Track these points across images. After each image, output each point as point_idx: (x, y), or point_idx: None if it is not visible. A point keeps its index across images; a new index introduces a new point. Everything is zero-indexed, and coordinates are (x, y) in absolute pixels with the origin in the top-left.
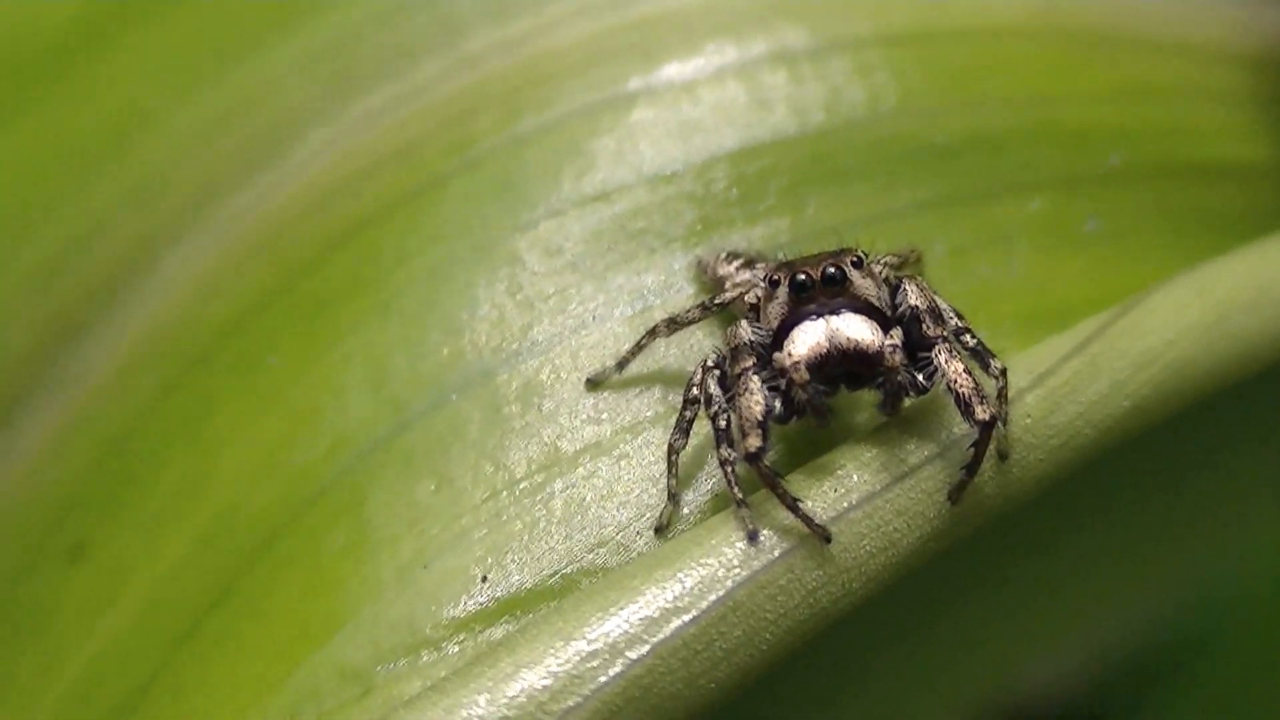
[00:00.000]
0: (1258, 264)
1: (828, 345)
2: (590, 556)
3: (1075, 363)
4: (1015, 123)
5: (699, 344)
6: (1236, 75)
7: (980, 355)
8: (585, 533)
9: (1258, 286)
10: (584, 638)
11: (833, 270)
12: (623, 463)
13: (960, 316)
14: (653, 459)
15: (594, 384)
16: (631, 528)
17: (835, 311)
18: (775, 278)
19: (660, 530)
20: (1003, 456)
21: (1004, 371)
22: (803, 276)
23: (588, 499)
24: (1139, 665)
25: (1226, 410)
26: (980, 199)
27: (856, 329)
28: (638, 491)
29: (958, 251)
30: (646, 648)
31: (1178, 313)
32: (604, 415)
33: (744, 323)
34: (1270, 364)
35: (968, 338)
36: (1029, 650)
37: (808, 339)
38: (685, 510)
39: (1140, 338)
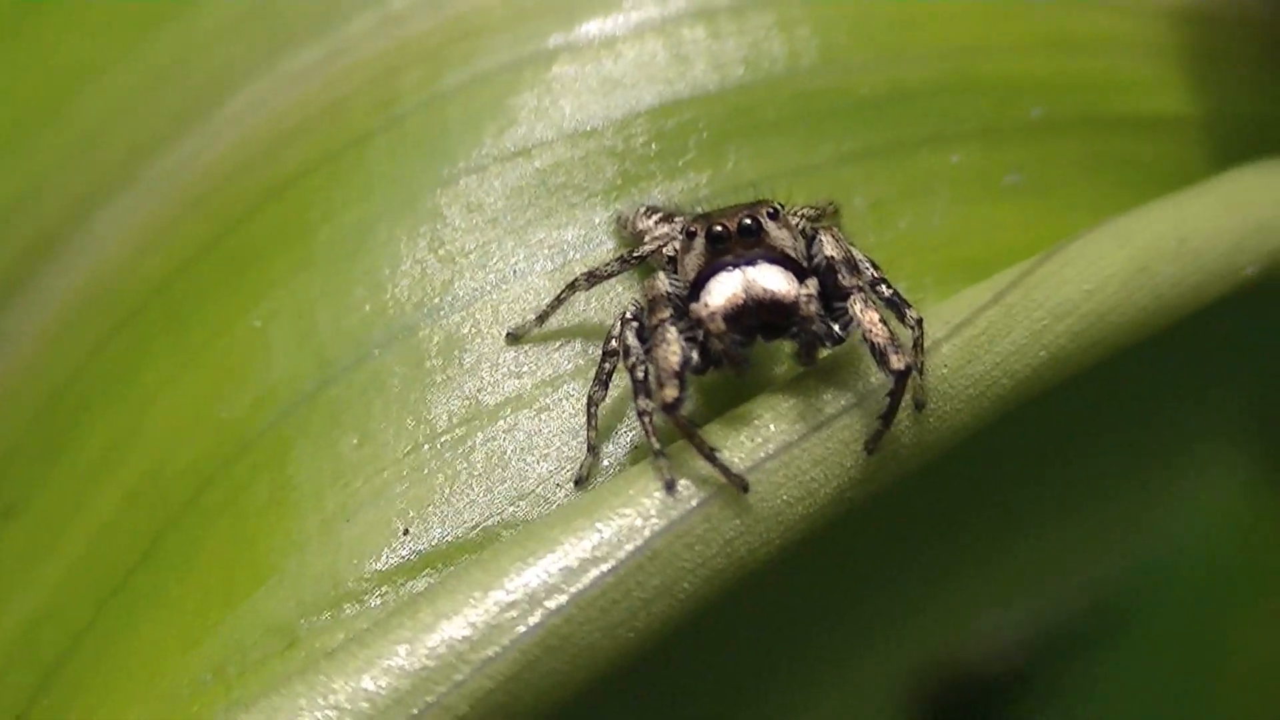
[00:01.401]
0: (1179, 214)
1: (744, 296)
2: (511, 509)
3: (992, 313)
4: (937, 76)
5: (619, 297)
6: (1161, 28)
7: (896, 305)
8: (506, 485)
9: (1178, 236)
10: (503, 588)
11: (749, 221)
12: (543, 415)
13: (876, 267)
14: (573, 411)
15: (514, 338)
16: (552, 480)
17: (751, 262)
18: (692, 229)
19: (580, 482)
20: (919, 406)
21: (920, 321)
22: (719, 228)
23: (508, 452)
24: (1074, 626)
25: (1154, 363)
26: (901, 152)
27: (772, 279)
28: (558, 444)
29: (878, 204)
30: (565, 597)
31: (1097, 262)
32: (524, 369)
33: (661, 274)
34: (1189, 314)
35: (883, 288)
36: (967, 612)
37: (724, 290)
38: (605, 462)
39: (1058, 287)
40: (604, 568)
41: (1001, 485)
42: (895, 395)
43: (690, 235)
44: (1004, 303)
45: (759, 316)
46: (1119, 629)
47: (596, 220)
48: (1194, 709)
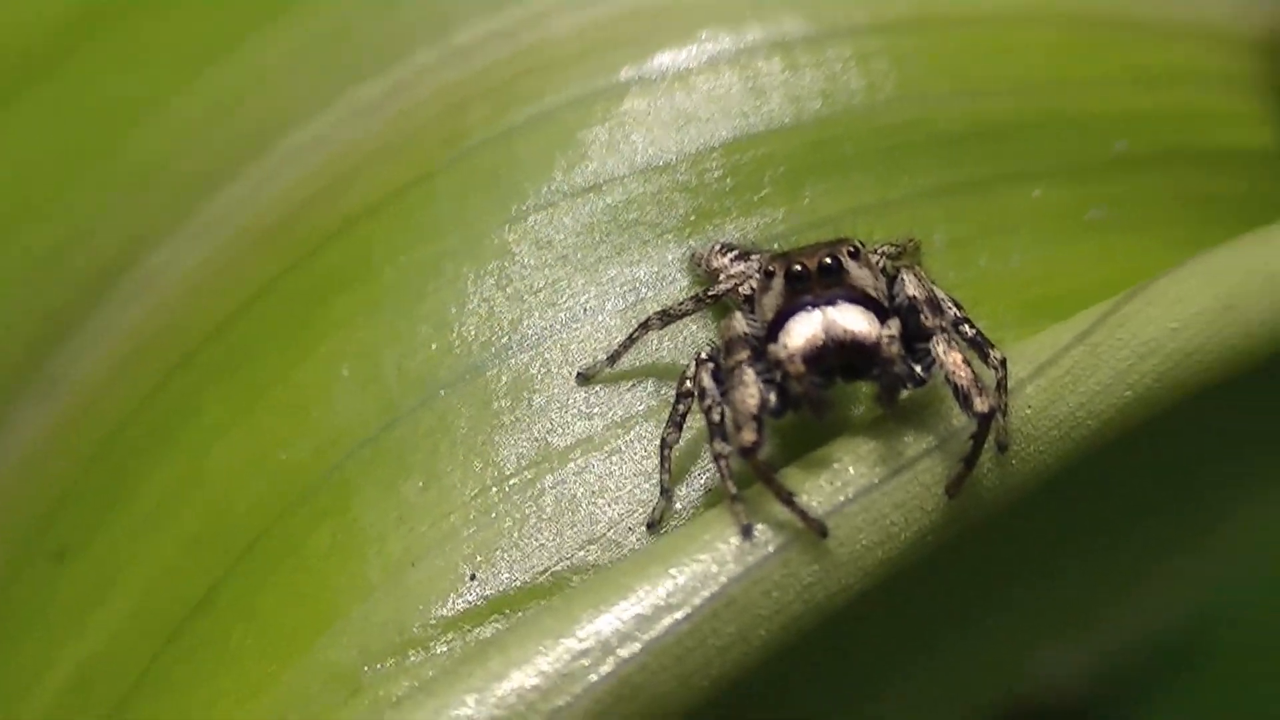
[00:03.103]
0: (1267, 249)
1: (824, 337)
2: (581, 553)
3: (1076, 352)
4: (1017, 110)
5: (692, 337)
6: (1244, 59)
7: (979, 346)
8: (576, 529)
9: (1266, 273)
10: (574, 635)
11: (829, 260)
12: (614, 458)
13: (959, 307)
14: (645, 454)
15: (585, 378)
16: (623, 524)
17: (831, 302)
18: (770, 268)
19: (653, 526)
20: (1002, 448)
21: (1004, 362)
22: (798, 267)
23: (579, 495)
24: (1135, 667)
25: (1237, 403)
26: (981, 188)
27: (853, 320)
28: (630, 487)
29: (958, 242)
30: (638, 645)
31: (1183, 300)
32: (595, 410)
33: (738, 314)
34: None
35: (966, 328)
36: (1038, 647)
37: (803, 330)
38: (678, 506)
39: (1144, 326)
40: (678, 615)
41: (1082, 523)
42: (979, 437)
43: (769, 274)
44: (1089, 342)
45: (839, 358)
46: (1180, 670)
47: (670, 258)
48: None
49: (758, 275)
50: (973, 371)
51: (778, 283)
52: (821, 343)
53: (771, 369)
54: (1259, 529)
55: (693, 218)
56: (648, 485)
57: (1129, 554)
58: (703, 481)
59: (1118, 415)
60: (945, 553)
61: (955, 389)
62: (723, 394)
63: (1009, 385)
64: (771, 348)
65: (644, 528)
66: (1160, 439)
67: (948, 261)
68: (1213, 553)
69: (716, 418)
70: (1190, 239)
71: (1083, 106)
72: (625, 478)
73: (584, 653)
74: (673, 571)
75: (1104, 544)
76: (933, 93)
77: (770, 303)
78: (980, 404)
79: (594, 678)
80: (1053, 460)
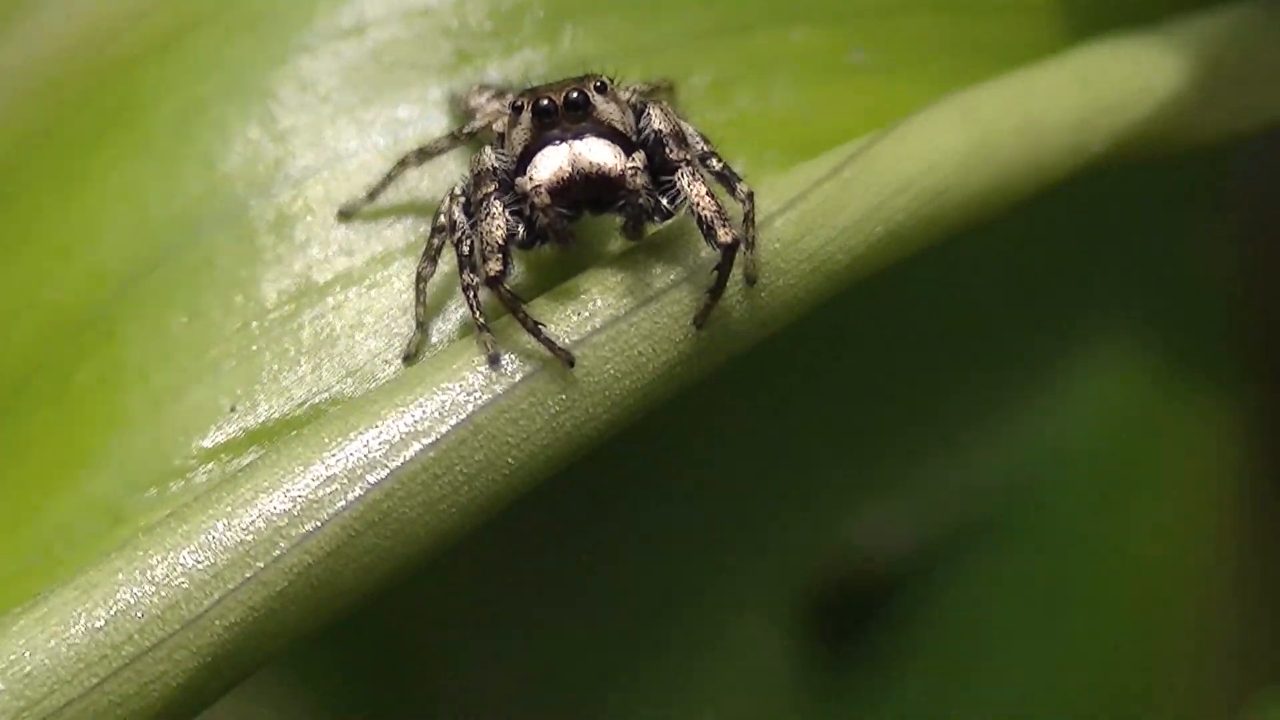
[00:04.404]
0: (1024, 90)
1: (569, 169)
2: (339, 386)
3: (827, 187)
4: None
5: (451, 174)
6: None
7: (726, 179)
8: (334, 362)
9: (1022, 113)
10: (322, 463)
11: (575, 95)
12: (373, 292)
13: (707, 141)
14: (403, 288)
15: (346, 215)
16: (380, 357)
17: (578, 136)
18: (518, 104)
19: (409, 358)
20: (750, 281)
21: (751, 195)
22: (545, 102)
23: (337, 329)
24: (960, 527)
25: (1028, 244)
26: (741, 30)
27: (598, 152)
28: (388, 321)
29: (719, 84)
30: (385, 472)
31: (937, 138)
32: (355, 246)
33: (488, 149)
34: (1034, 192)
35: (714, 162)
36: (849, 511)
37: (549, 163)
38: (435, 339)
39: (897, 163)
40: (425, 442)
41: (877, 369)
42: (723, 269)
43: (517, 110)
44: (840, 177)
45: (585, 190)
46: (1002, 529)
47: (431, 98)
48: (1078, 606)
49: (509, 112)
50: (717, 204)
51: (526, 117)
52: (567, 175)
53: (519, 201)
54: (1081, 379)
55: (454, 60)
56: (405, 319)
57: (946, 409)
58: (458, 316)
59: (869, 251)
60: (733, 399)
61: (699, 220)
62: (472, 226)
63: (756, 219)
64: (519, 181)
65: (400, 360)
66: (937, 283)
67: (708, 102)
68: (1030, 420)
69: (466, 250)
70: (951, 81)
71: None
72: (383, 312)
73: (331, 479)
74: (421, 400)
75: (917, 395)
76: None
77: (519, 137)
78: (724, 235)
79: (341, 504)
80: (803, 293)
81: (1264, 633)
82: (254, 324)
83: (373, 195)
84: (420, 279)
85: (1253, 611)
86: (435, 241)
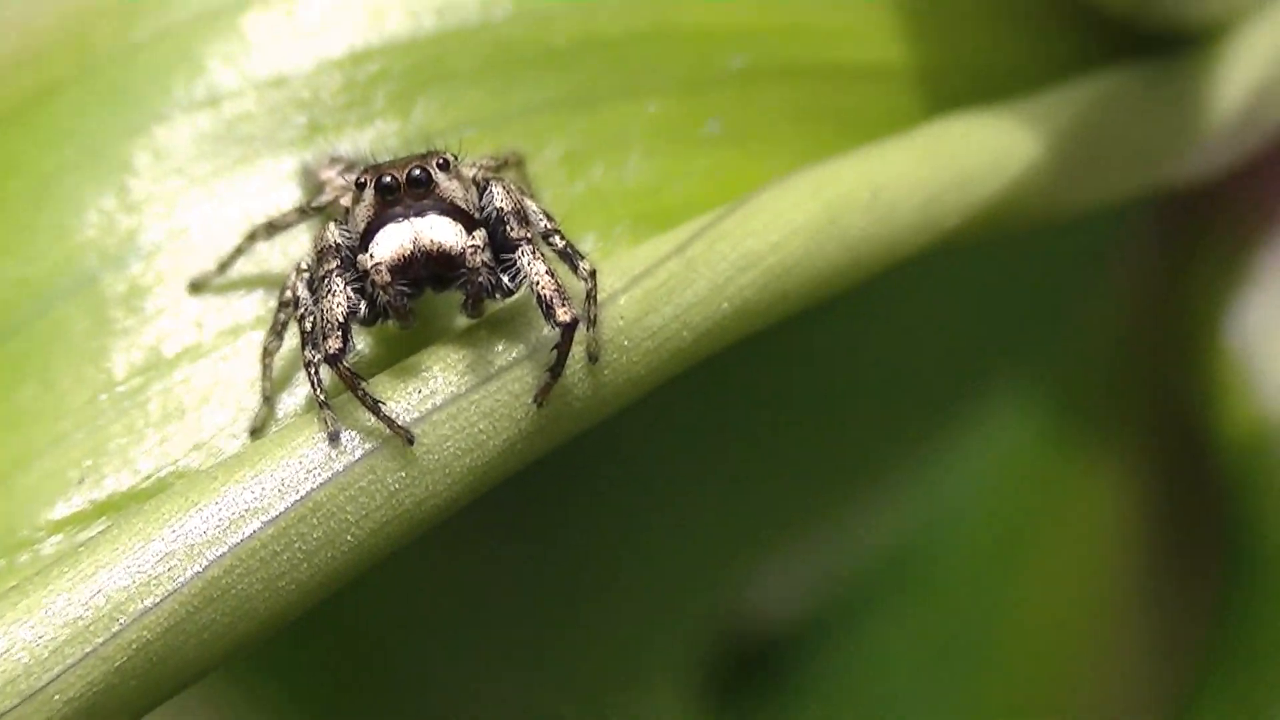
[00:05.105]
0: (874, 165)
1: (410, 247)
2: (185, 459)
3: (672, 264)
4: (632, 25)
5: (304, 247)
6: None
7: (569, 257)
8: (182, 435)
9: (872, 188)
10: (162, 538)
11: (418, 172)
12: (221, 365)
13: (550, 218)
14: (252, 362)
15: (196, 287)
16: (227, 430)
17: (420, 213)
18: (361, 180)
19: (255, 433)
20: (592, 358)
21: (593, 274)
22: (387, 179)
23: (185, 402)
24: (859, 585)
25: (913, 307)
26: (595, 102)
27: (439, 231)
28: (236, 394)
29: (571, 156)
30: (224, 549)
31: (786, 212)
32: (205, 318)
33: (332, 225)
34: (885, 268)
35: (556, 239)
36: (746, 573)
37: (391, 241)
38: (280, 413)
39: (744, 239)
40: (264, 519)
41: (765, 431)
42: (562, 347)
43: (360, 186)
44: (685, 255)
45: (426, 268)
46: (897, 588)
47: (284, 170)
48: (972, 666)
49: (353, 188)
50: (557, 282)
51: (369, 194)
52: (408, 252)
53: (362, 279)
54: (979, 440)
55: (307, 132)
56: (253, 393)
57: (838, 470)
58: (305, 391)
59: (715, 327)
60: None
61: (539, 299)
62: (315, 303)
63: (599, 297)
64: (360, 258)
65: (247, 435)
66: (824, 346)
67: (560, 174)
68: (923, 477)
69: (308, 326)
70: (807, 154)
71: (700, 20)
72: (231, 385)
73: (171, 554)
74: (260, 476)
75: (807, 458)
76: (547, 9)
77: (362, 213)
78: (563, 314)
79: (181, 580)
80: (645, 370)
81: (1160, 685)
82: (103, 396)
83: (223, 268)
84: (266, 353)
85: (1146, 664)
86: (281, 316)
